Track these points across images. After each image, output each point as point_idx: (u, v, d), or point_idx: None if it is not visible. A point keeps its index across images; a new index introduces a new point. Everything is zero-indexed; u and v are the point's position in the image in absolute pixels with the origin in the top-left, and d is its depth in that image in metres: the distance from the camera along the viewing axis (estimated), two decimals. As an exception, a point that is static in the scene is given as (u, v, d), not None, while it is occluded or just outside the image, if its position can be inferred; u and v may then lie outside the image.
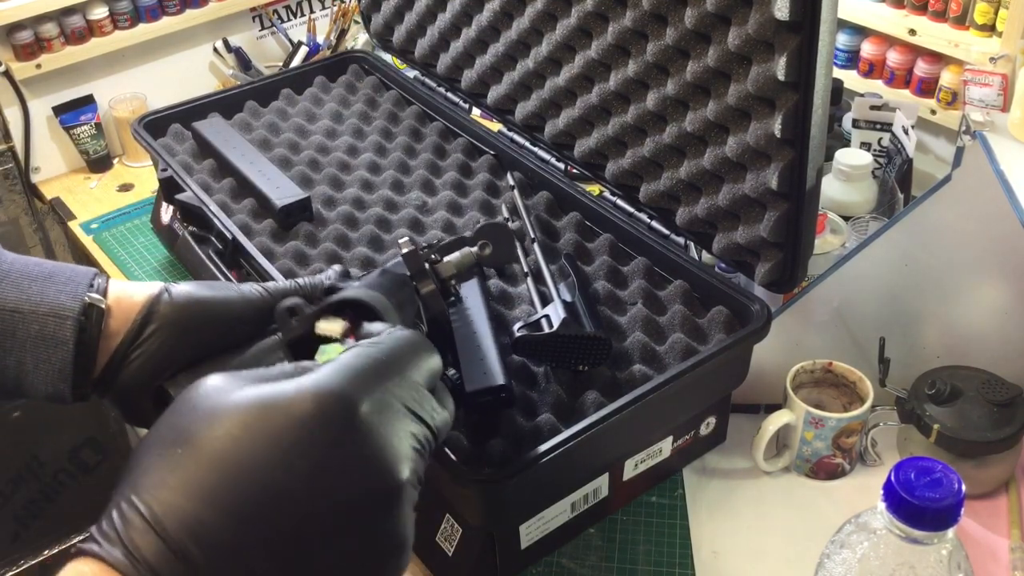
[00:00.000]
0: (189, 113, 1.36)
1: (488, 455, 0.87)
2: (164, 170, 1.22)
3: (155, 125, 1.33)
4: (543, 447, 0.81)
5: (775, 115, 0.87)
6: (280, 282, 0.68)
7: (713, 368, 0.90)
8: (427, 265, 0.75)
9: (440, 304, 0.74)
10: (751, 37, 0.85)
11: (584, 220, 1.13)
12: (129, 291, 0.64)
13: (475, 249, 0.80)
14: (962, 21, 1.31)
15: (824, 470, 1.00)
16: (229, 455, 0.42)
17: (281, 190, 1.18)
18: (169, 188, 1.21)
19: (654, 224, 1.09)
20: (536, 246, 1.07)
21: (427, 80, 1.42)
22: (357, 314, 0.63)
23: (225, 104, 1.39)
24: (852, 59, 1.46)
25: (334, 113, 1.39)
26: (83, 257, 1.54)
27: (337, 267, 0.72)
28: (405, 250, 0.73)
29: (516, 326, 0.95)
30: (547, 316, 0.94)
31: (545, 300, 0.99)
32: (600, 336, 0.92)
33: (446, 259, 0.78)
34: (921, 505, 0.63)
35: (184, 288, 0.64)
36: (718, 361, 0.91)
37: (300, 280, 0.69)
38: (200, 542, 0.40)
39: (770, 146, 0.89)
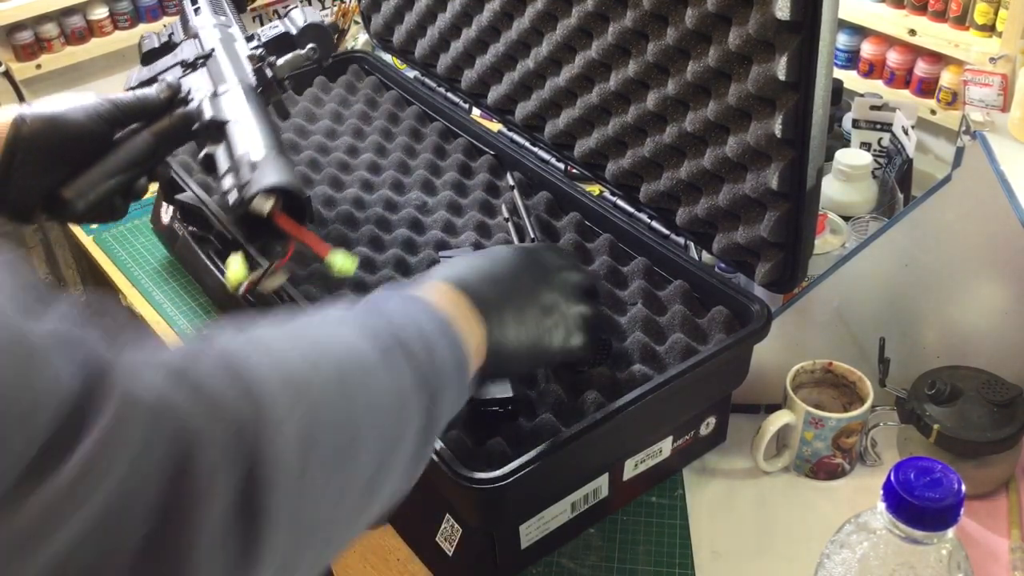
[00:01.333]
0: None
1: (488, 455, 0.87)
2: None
3: None
4: (543, 447, 0.81)
5: (775, 115, 0.87)
6: (124, 96, 0.85)
7: (713, 368, 0.90)
8: (268, 72, 0.91)
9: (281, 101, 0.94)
10: (751, 37, 0.85)
11: (584, 220, 1.13)
12: None
13: (304, 51, 0.96)
14: (962, 21, 1.31)
15: (824, 470, 1.00)
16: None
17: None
18: (169, 188, 1.21)
19: (654, 224, 1.10)
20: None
21: (427, 80, 1.42)
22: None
23: (225, 104, 1.39)
24: (852, 59, 1.46)
25: (334, 113, 1.39)
26: (83, 257, 1.54)
27: (170, 81, 0.90)
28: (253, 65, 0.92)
29: None
30: None
31: None
32: (600, 336, 0.92)
33: (280, 61, 0.92)
34: (921, 505, 0.63)
35: (39, 112, 0.80)
36: (718, 361, 0.91)
37: (139, 93, 0.87)
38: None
39: (770, 146, 0.89)
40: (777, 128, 0.87)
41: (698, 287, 1.02)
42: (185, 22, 1.08)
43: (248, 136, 0.82)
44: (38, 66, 1.56)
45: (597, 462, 0.90)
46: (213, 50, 0.97)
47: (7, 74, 1.55)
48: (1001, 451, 0.94)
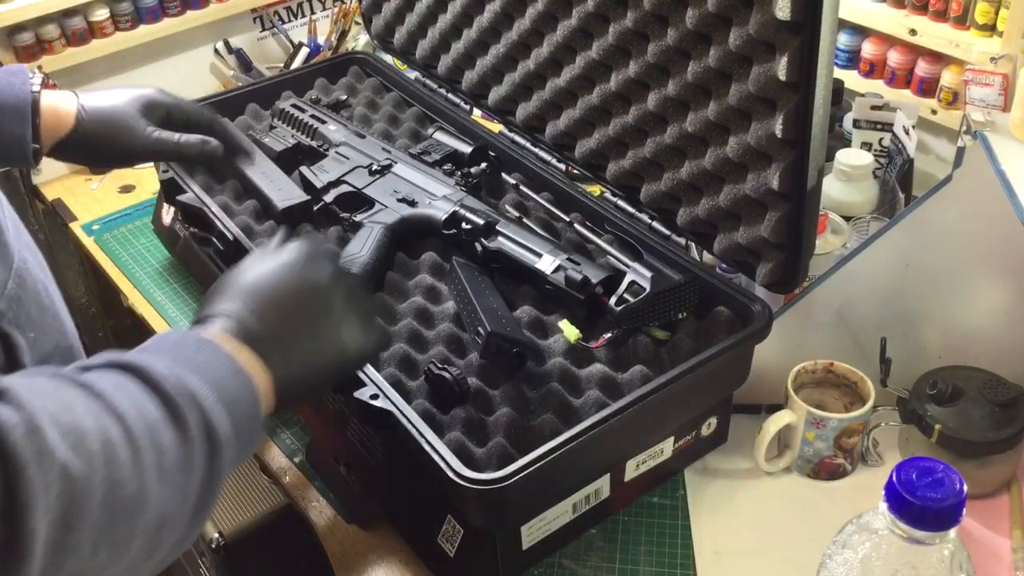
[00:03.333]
0: None
1: (489, 456, 0.87)
2: (165, 171, 1.22)
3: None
4: (544, 448, 0.81)
5: (776, 115, 0.87)
6: (185, 139, 1.03)
7: (714, 369, 0.90)
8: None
9: None
10: (752, 37, 0.85)
11: (585, 221, 1.13)
12: (55, 104, 0.95)
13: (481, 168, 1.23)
14: (963, 21, 1.30)
15: (826, 470, 1.00)
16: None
17: (283, 192, 1.18)
18: (170, 189, 1.21)
19: (655, 225, 1.09)
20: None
21: (428, 81, 1.42)
22: None
23: (227, 105, 1.39)
24: (853, 59, 1.46)
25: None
26: (85, 258, 1.54)
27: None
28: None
29: (612, 302, 0.96)
30: (634, 281, 0.97)
31: (616, 271, 1.02)
32: (688, 280, 0.97)
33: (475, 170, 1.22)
34: (923, 505, 0.63)
35: (98, 114, 0.98)
36: (719, 362, 0.91)
37: (193, 139, 1.03)
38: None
39: (771, 146, 0.89)
40: (778, 128, 0.87)
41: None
42: (312, 129, 1.30)
43: (526, 233, 1.08)
44: (39, 67, 1.56)
45: (599, 463, 0.90)
46: (391, 164, 1.22)
47: (8, 76, 1.55)
48: (1003, 451, 0.94)
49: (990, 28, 1.28)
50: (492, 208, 1.14)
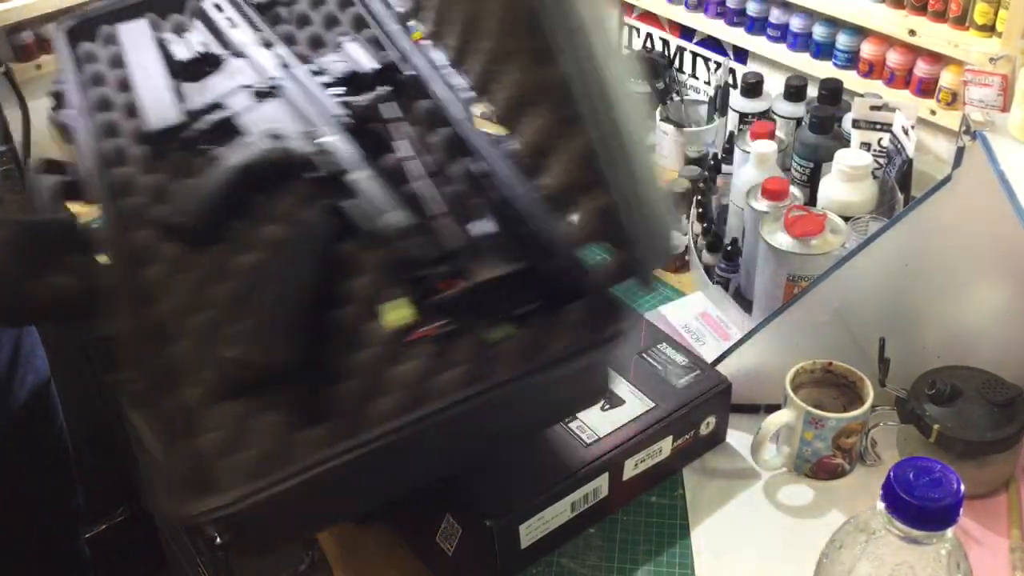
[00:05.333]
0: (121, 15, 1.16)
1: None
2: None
3: (82, 30, 1.14)
4: (268, 479, 0.71)
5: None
6: None
7: (551, 379, 0.77)
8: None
9: None
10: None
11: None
12: None
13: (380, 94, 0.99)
14: (962, 21, 1.30)
15: (824, 470, 1.00)
16: None
17: (157, 110, 1.01)
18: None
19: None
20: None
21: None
22: None
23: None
24: (852, 59, 1.46)
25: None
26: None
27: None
28: None
29: (441, 290, 0.81)
30: (474, 265, 0.82)
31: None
32: (528, 268, 0.82)
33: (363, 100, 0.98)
34: (920, 505, 0.63)
35: None
36: (559, 370, 0.77)
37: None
38: None
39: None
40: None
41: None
42: (218, 32, 1.09)
43: (379, 189, 0.87)
44: (38, 66, 1.57)
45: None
46: (278, 87, 1.00)
47: (7, 74, 1.55)
48: (1001, 451, 0.94)
49: (989, 29, 1.28)
50: (375, 149, 0.93)
